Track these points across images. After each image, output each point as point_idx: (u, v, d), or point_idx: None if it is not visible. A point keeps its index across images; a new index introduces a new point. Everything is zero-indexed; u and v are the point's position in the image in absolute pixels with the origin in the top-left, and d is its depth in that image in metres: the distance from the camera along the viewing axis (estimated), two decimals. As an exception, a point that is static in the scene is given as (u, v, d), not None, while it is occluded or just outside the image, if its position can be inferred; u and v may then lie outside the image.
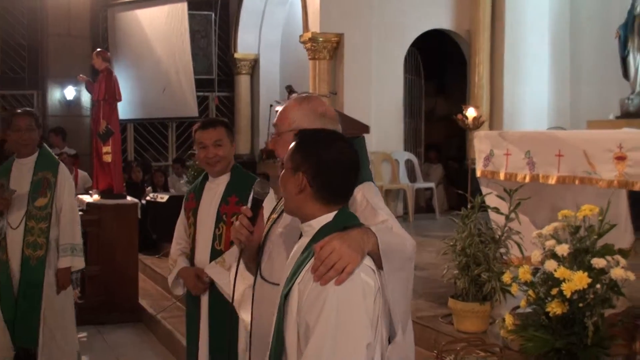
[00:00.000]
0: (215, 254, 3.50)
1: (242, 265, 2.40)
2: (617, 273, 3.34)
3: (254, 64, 13.24)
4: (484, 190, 4.93)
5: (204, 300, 3.53)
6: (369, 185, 2.25)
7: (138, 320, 6.95)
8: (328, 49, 9.51)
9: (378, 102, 9.60)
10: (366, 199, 2.21)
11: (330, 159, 1.98)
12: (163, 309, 6.69)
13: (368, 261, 1.92)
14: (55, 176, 4.47)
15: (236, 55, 13.22)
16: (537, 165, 4.62)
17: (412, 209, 9.73)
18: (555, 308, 3.35)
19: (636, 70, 7.33)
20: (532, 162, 4.63)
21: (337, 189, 2.01)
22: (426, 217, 9.98)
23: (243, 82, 13.30)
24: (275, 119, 2.38)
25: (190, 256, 3.63)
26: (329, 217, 2.00)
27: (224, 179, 3.59)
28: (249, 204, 2.36)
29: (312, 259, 1.89)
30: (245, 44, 13.11)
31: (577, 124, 8.93)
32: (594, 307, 3.37)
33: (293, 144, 2.04)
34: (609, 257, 3.41)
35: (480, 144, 5.03)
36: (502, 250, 4.25)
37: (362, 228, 1.97)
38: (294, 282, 1.92)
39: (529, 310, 3.62)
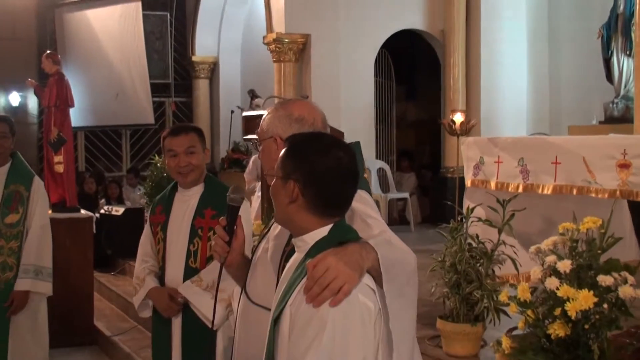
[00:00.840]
0: (189, 273, 3.22)
1: (238, 289, 2.25)
2: (626, 292, 3.11)
3: (213, 67, 12.88)
4: (467, 201, 4.67)
5: (177, 323, 3.22)
6: (363, 195, 2.08)
7: (93, 342, 6.66)
8: (294, 51, 9.21)
9: (348, 107, 9.28)
10: (360, 209, 2.03)
11: (325, 166, 1.81)
12: (122, 332, 6.39)
13: (367, 280, 1.75)
14: (28, 190, 4.07)
15: (194, 58, 12.86)
16: (531, 174, 4.36)
17: (386, 221, 9.36)
18: (557, 330, 3.12)
19: (621, 72, 7.11)
20: (526, 170, 4.37)
21: (332, 199, 1.84)
22: (400, 230, 9.55)
23: (202, 86, 12.95)
24: None
25: (160, 275, 3.30)
26: (324, 231, 1.83)
27: (197, 189, 3.32)
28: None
29: (305, 278, 1.73)
30: (203, 46, 12.75)
31: (558, 129, 8.72)
32: (600, 329, 3.15)
33: (284, 149, 1.87)
34: (615, 274, 3.19)
35: (469, 151, 4.75)
36: (497, 267, 3.99)
37: (360, 243, 1.81)
38: (285, 304, 1.76)
39: (526, 332, 3.39)
